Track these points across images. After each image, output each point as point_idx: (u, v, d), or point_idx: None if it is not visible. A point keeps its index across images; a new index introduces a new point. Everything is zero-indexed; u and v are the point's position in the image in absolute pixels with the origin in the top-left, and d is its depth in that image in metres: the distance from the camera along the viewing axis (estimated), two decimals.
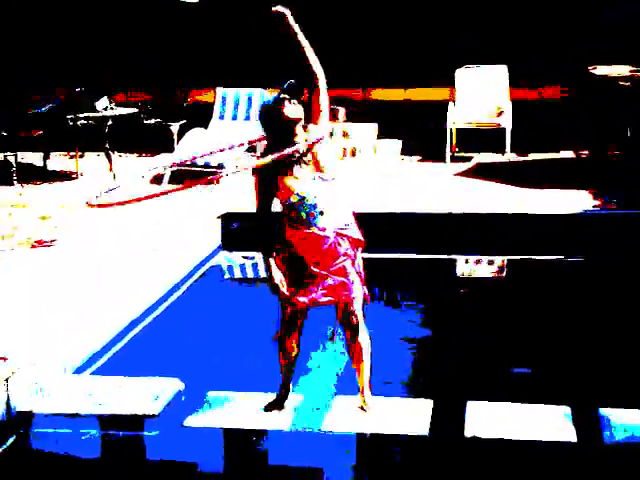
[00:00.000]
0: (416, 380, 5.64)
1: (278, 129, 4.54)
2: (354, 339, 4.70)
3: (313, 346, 5.06)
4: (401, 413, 4.81)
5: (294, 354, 4.82)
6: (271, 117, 4.54)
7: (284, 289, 4.58)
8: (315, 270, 4.55)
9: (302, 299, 4.61)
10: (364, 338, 4.71)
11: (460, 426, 4.67)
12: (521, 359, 5.91)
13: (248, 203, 8.82)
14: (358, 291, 4.64)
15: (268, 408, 4.89)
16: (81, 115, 11.09)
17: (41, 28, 12.86)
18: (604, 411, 4.76)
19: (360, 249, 4.66)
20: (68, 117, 10.96)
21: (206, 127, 11.53)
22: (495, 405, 4.88)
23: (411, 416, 4.80)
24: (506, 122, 11.39)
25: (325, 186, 4.51)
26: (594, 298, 7.02)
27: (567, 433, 4.59)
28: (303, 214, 4.52)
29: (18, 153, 10.64)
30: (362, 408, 4.79)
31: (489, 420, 4.74)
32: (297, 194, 4.49)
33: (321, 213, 4.51)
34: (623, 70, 10.89)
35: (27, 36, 12.87)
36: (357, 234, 4.62)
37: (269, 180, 4.56)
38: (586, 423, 4.70)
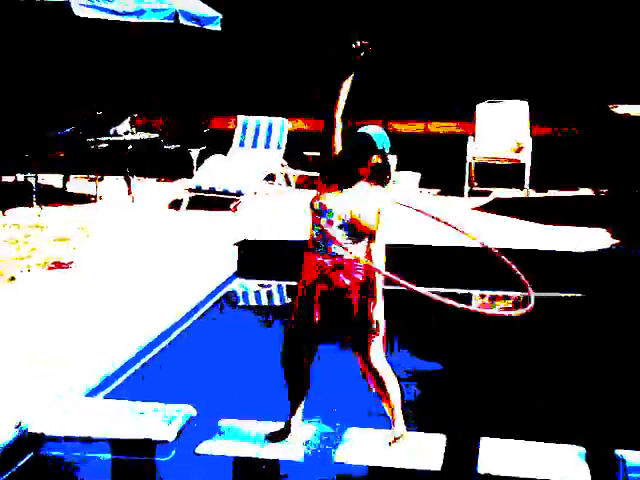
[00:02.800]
0: (429, 414, 5.60)
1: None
2: (375, 378, 4.66)
3: (327, 377, 5.04)
4: (414, 447, 4.77)
5: (303, 384, 4.79)
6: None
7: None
8: (324, 303, 4.56)
9: (304, 320, 4.63)
10: (386, 376, 4.67)
11: (473, 462, 4.63)
12: (536, 396, 5.87)
13: (265, 231, 8.87)
14: (375, 329, 4.60)
15: (272, 437, 4.85)
16: (102, 138, 11.16)
17: (65, 53, 12.98)
18: (619, 452, 4.70)
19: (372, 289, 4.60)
20: (89, 140, 11.03)
21: (226, 154, 11.60)
22: (509, 442, 4.84)
23: (423, 451, 4.76)
24: (526, 158, 11.39)
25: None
26: (611, 336, 6.97)
27: (581, 473, 4.54)
28: (314, 231, 4.53)
29: (38, 175, 10.72)
30: (390, 444, 4.75)
31: (502, 457, 4.69)
32: (320, 203, 4.52)
33: (327, 240, 4.51)
34: None
35: (51, 61, 13.00)
36: (365, 272, 4.53)
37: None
38: (601, 464, 4.64)
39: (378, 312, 4.58)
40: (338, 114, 4.57)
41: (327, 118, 4.59)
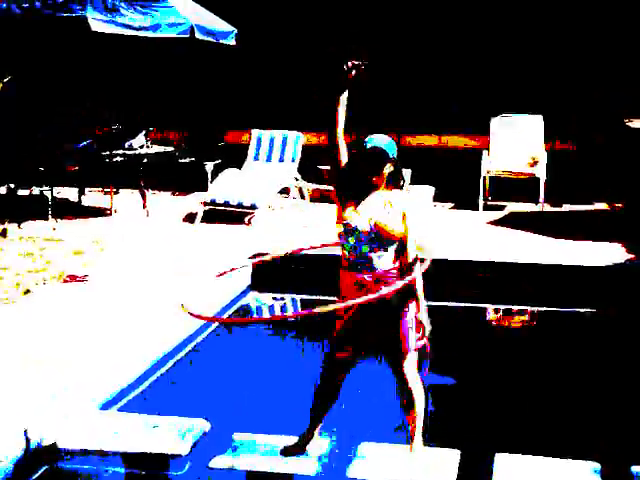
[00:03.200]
0: (443, 429, 5.58)
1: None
2: (404, 388, 4.66)
3: (342, 391, 5.02)
4: (427, 462, 4.75)
5: (331, 402, 4.79)
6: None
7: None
8: (356, 317, 4.56)
9: (347, 348, 4.63)
10: (416, 387, 4.66)
11: (488, 478, 4.61)
12: (551, 412, 5.84)
13: (279, 244, 8.87)
14: (407, 343, 4.59)
15: (287, 451, 4.85)
16: (117, 152, 11.21)
17: (82, 67, 13.06)
18: (635, 469, 4.67)
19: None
20: (104, 154, 11.08)
21: (240, 167, 11.62)
22: (524, 458, 4.81)
23: (438, 466, 4.74)
24: (540, 172, 11.38)
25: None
26: (626, 351, 6.94)
27: None
28: (346, 252, 4.52)
29: (54, 188, 10.77)
30: (407, 457, 4.73)
31: (517, 473, 4.67)
32: (344, 223, 4.51)
33: (364, 256, 4.50)
34: None
35: (67, 75, 13.07)
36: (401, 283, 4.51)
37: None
38: None
39: (422, 312, 4.58)
40: (339, 129, 4.58)
41: (329, 134, 4.60)
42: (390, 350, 4.61)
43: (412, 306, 4.59)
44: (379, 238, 4.49)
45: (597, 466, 4.69)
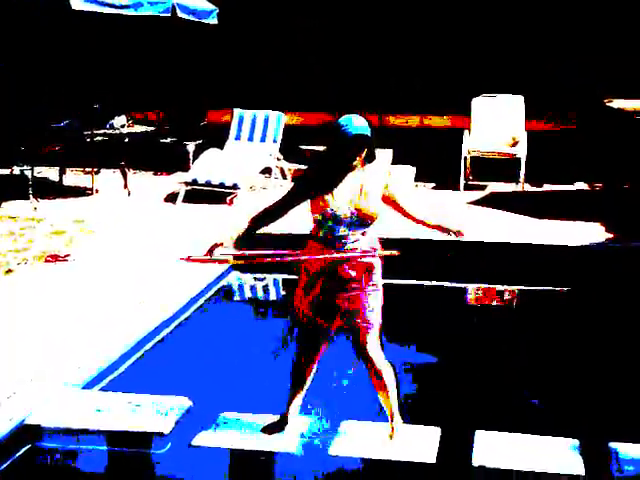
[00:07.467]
0: (424, 407, 5.63)
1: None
2: (372, 369, 4.69)
3: (323, 368, 5.05)
4: (408, 440, 4.80)
5: (308, 376, 4.82)
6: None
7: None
8: (328, 294, 4.58)
9: (317, 321, 4.64)
10: (383, 367, 4.69)
11: (468, 455, 4.66)
12: (530, 390, 5.90)
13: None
14: (374, 320, 4.64)
15: (268, 429, 4.88)
16: (98, 132, 11.17)
17: (62, 46, 12.97)
18: (613, 445, 4.73)
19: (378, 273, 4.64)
20: (85, 133, 11.03)
21: (222, 147, 11.60)
22: (503, 435, 4.87)
23: (418, 443, 4.79)
24: (521, 152, 11.42)
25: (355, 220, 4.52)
26: (606, 330, 7.00)
27: (575, 466, 4.57)
28: (321, 232, 4.53)
29: (35, 168, 10.72)
30: (390, 436, 4.78)
31: (497, 450, 4.72)
32: (322, 212, 4.49)
33: (341, 237, 4.52)
34: (639, 104, 10.90)
35: (48, 54, 12.98)
36: (375, 259, 4.58)
37: (300, 196, 4.62)
38: (595, 456, 4.67)
39: (377, 301, 4.62)
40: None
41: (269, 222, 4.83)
42: (352, 329, 4.64)
43: (374, 287, 4.60)
44: (360, 220, 4.50)
45: (575, 442, 4.76)
